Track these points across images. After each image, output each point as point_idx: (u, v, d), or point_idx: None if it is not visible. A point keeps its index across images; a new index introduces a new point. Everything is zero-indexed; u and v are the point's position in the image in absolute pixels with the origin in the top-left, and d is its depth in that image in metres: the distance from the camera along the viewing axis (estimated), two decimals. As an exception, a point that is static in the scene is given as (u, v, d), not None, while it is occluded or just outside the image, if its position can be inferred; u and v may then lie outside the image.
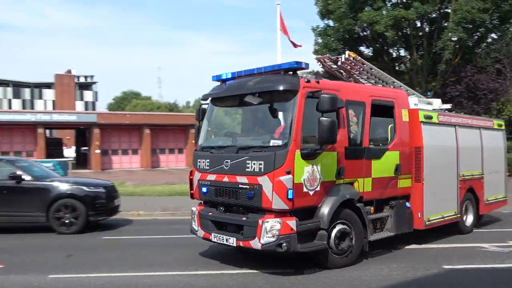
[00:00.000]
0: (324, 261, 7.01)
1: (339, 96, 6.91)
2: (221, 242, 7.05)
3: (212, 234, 7.19)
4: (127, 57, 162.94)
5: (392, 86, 9.43)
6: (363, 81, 9.36)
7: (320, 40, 30.88)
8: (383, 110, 8.22)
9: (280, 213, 6.47)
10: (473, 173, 10.29)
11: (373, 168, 7.74)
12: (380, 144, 8.21)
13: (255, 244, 6.49)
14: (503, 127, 12.15)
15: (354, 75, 9.30)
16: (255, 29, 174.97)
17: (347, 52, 9.08)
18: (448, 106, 11.15)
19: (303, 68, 6.84)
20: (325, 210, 6.81)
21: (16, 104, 79.84)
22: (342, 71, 9.30)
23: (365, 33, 29.89)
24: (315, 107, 6.49)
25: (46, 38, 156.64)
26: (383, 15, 27.25)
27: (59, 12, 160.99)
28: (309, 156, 6.62)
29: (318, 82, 6.91)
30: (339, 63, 9.01)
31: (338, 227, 7.06)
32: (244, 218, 6.76)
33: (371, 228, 7.80)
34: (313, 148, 6.65)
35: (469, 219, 10.40)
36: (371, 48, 32.19)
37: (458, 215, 9.77)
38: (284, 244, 6.33)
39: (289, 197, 6.34)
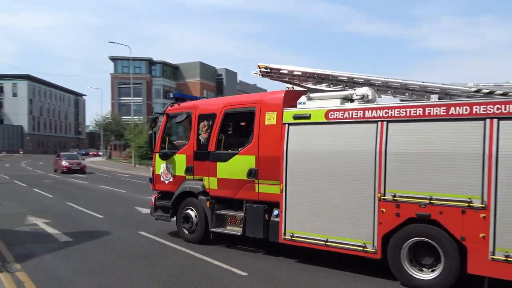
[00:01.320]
0: (181, 234, 9.69)
1: (195, 112, 9.39)
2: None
3: None
4: None
5: (328, 83, 8.12)
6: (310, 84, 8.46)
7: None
8: (245, 116, 8.71)
9: (157, 193, 10.35)
10: (441, 196, 6.16)
11: (218, 169, 8.78)
12: (232, 149, 8.62)
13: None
14: None
15: (295, 80, 8.57)
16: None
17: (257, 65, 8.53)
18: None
19: (181, 98, 10.30)
20: (173, 195, 9.67)
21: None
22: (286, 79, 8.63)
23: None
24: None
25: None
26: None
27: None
28: (162, 157, 10.01)
29: (179, 105, 9.93)
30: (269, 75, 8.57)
31: (186, 211, 9.54)
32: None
33: (219, 220, 8.96)
34: (164, 152, 9.95)
35: (429, 274, 6.39)
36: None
37: (374, 251, 6.72)
38: (150, 211, 10.60)
39: (150, 181, 10.40)
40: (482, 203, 5.88)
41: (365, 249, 6.79)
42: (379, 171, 6.66)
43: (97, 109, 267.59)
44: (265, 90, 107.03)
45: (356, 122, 6.95)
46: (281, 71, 8.35)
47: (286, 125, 7.63)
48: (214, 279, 6.90)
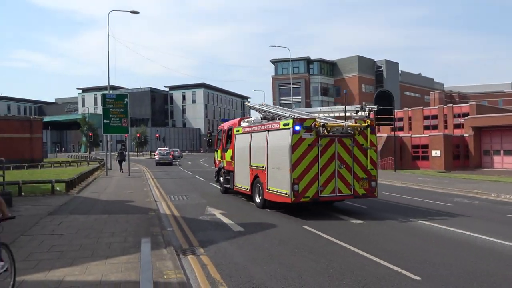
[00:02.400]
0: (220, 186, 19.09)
1: (222, 129, 19.36)
2: None
3: None
4: None
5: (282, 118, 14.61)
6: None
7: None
8: (231, 131, 17.72)
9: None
10: (257, 165, 14.07)
11: (226, 156, 18.07)
12: (229, 147, 17.77)
13: None
14: (290, 126, 12.11)
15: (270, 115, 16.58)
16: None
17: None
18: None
19: (225, 120, 20.70)
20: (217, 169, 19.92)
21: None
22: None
23: None
24: None
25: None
26: None
27: None
28: (215, 151, 20.06)
29: (221, 124, 20.00)
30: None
31: (219, 176, 18.92)
32: None
33: (227, 181, 17.96)
34: (215, 149, 20.21)
35: (257, 198, 14.22)
36: None
37: (248, 191, 14.94)
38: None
39: (214, 163, 20.49)
40: (264, 168, 13.52)
41: (248, 190, 14.99)
42: (249, 155, 14.86)
43: None
44: (432, 79, 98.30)
45: (245, 133, 15.57)
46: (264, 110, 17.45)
47: (235, 134, 16.59)
48: (383, 280, 6.62)
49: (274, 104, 76.91)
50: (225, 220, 11.82)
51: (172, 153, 52.58)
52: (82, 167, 36.86)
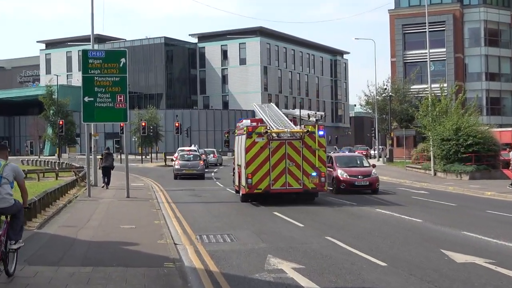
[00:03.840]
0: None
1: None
2: None
3: None
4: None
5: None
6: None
7: None
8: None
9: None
10: (239, 164, 17.15)
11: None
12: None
13: None
14: (245, 132, 16.16)
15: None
16: None
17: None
18: None
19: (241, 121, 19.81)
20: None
21: None
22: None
23: None
24: None
25: None
26: None
27: None
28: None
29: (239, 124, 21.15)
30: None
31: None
32: None
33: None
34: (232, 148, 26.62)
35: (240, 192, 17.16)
36: None
37: (237, 187, 17.52)
38: None
39: None
40: (239, 166, 16.59)
41: (237, 186, 17.65)
42: (237, 155, 17.87)
43: (367, 75, 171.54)
44: None
45: (238, 135, 17.88)
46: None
47: (235, 136, 19.03)
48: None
49: (393, 62, 47.54)
50: (303, 282, 6.65)
51: (203, 156, 34.02)
52: (47, 182, 23.62)
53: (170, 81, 69.83)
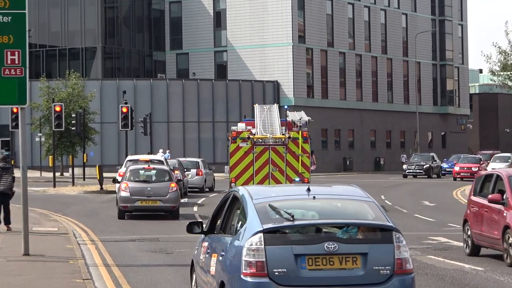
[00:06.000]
0: None
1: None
2: None
3: None
4: None
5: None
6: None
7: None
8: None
9: None
10: None
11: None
12: None
13: None
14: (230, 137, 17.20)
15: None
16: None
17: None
18: None
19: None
20: None
21: None
22: None
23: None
24: None
25: None
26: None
27: None
28: None
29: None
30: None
31: None
32: None
33: None
34: None
35: None
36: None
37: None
38: None
39: None
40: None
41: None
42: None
43: (502, 12, 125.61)
44: None
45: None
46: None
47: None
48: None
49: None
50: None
51: (176, 172, 20.13)
52: None
53: (111, 23, 39.20)
